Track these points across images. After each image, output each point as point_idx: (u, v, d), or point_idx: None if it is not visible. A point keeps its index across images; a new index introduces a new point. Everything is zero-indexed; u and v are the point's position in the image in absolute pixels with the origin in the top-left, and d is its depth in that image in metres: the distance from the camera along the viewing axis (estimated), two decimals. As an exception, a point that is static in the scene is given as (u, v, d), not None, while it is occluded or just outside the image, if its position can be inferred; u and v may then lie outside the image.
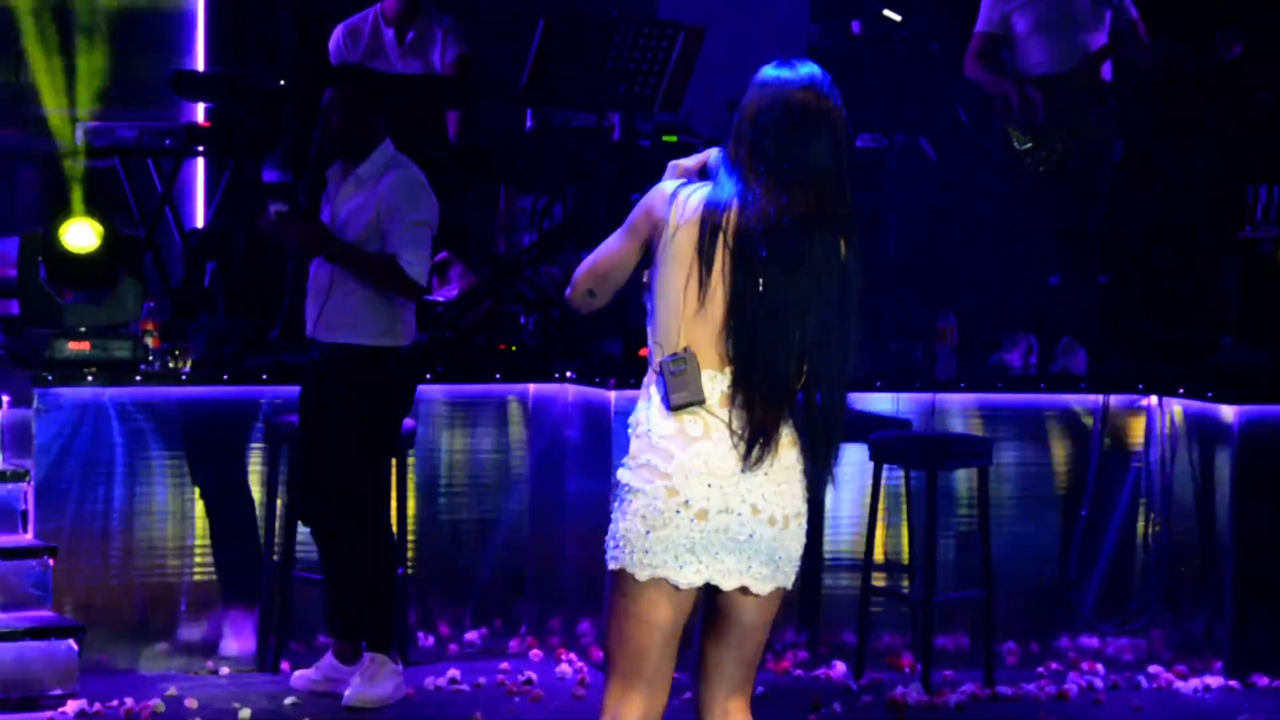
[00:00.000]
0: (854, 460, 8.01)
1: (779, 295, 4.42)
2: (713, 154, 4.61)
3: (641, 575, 4.49)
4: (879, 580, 7.88)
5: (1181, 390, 8.26)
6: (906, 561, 8.07)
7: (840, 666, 7.89)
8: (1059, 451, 8.37)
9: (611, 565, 4.53)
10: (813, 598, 8.06)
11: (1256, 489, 8.01)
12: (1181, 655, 8.16)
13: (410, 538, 7.79)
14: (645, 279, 4.56)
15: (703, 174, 4.60)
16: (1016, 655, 8.19)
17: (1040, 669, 8.08)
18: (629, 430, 4.56)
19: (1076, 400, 8.36)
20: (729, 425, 4.46)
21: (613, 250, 4.61)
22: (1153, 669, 8.06)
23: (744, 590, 4.52)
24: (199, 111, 9.86)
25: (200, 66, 10.25)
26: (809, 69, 4.53)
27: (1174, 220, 9.69)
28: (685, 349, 4.46)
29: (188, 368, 7.75)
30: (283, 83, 8.94)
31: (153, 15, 10.24)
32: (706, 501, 4.46)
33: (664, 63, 8.72)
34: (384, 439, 7.21)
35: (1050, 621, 8.30)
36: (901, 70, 9.46)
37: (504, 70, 9.28)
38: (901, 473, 8.01)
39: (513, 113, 9.57)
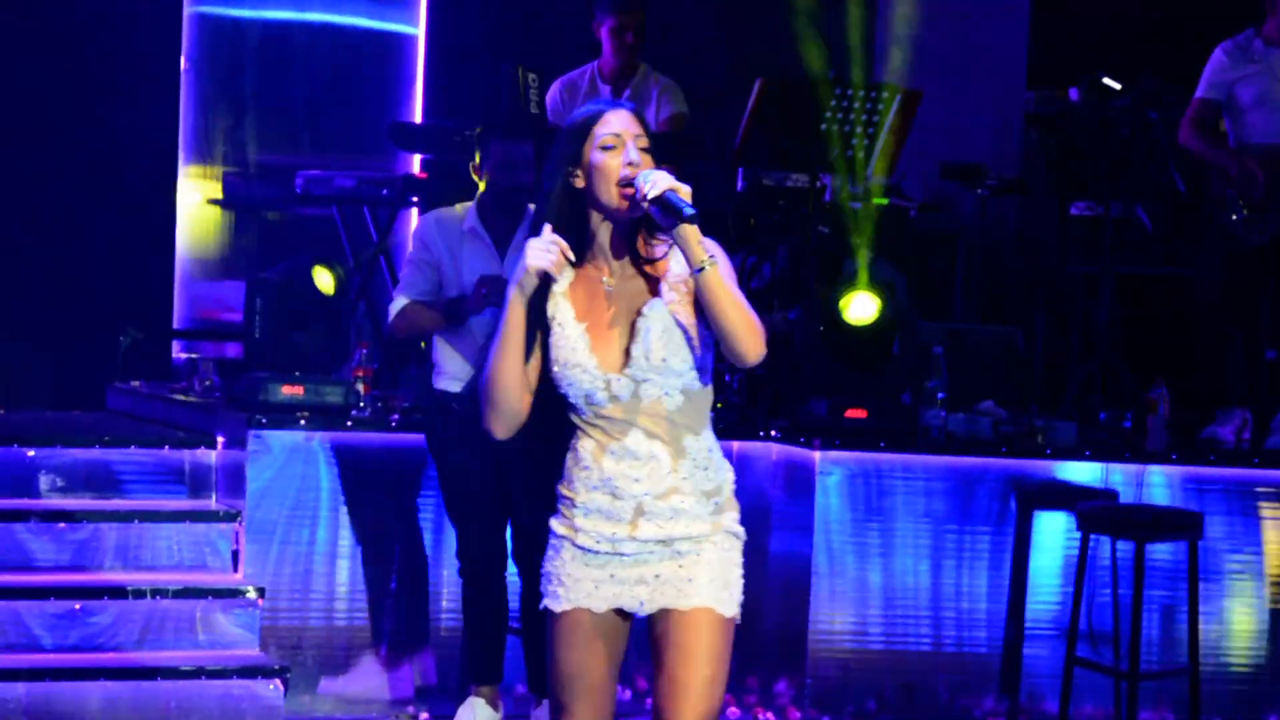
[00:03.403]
0: (1060, 529, 7.97)
1: None
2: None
3: None
4: (1083, 651, 7.75)
5: (1403, 471, 8.12)
6: (1112, 633, 7.93)
7: (1041, 737, 7.85)
8: (1272, 529, 8.20)
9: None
10: (1014, 666, 7.97)
11: None
12: (1396, 742, 8.03)
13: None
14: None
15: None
16: (1223, 734, 8.11)
17: (1248, 750, 8.00)
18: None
19: (1291, 477, 8.26)
20: None
21: None
22: (1365, 755, 7.95)
23: None
24: (415, 162, 10.00)
25: (418, 117, 10.41)
26: None
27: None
28: None
29: (397, 415, 7.82)
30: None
31: (373, 68, 10.42)
32: None
33: (879, 125, 8.70)
34: None
35: (1259, 702, 8.14)
36: (1119, 138, 9.33)
37: (720, 131, 9.33)
38: (1109, 544, 7.89)
39: (726, 173, 9.61)
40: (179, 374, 9.30)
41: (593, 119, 4.53)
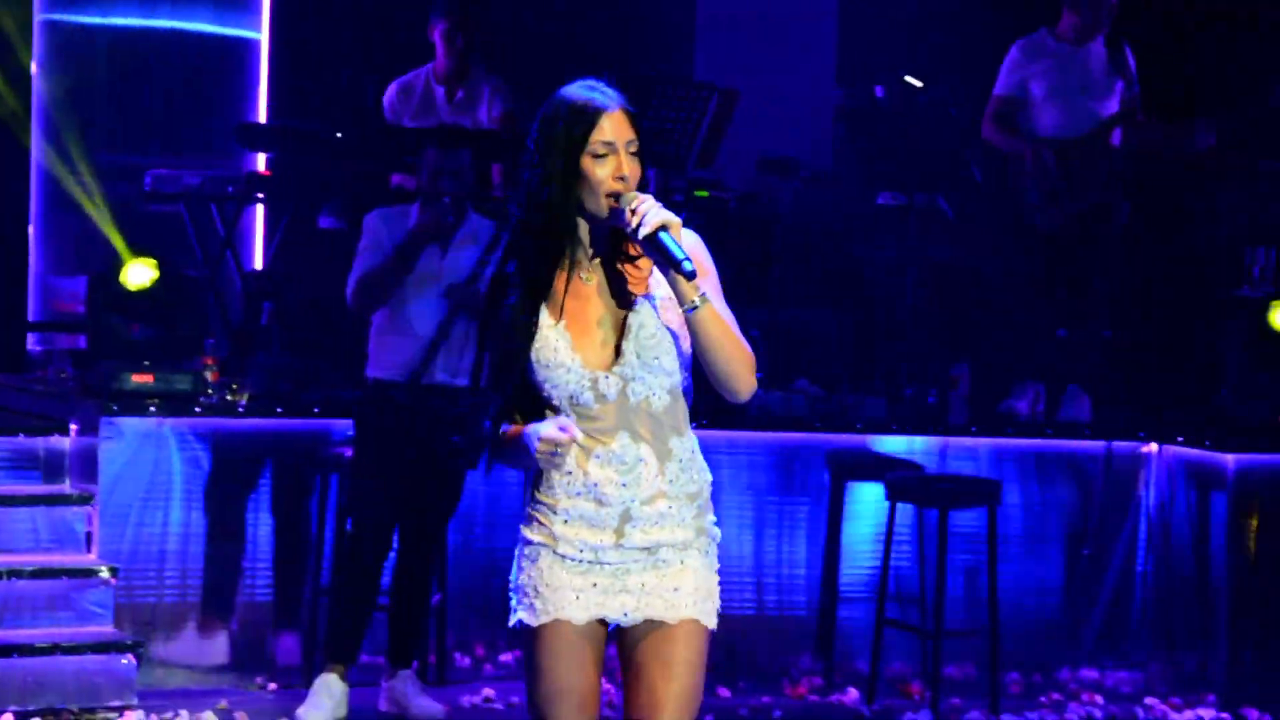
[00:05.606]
0: (870, 498, 8.22)
1: None
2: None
3: None
4: (892, 612, 8.05)
5: (1181, 438, 8.43)
6: (918, 595, 8.22)
7: (853, 693, 8.09)
8: (1063, 494, 8.51)
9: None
10: (828, 628, 8.24)
11: (1250, 532, 8.15)
12: (1176, 688, 8.32)
13: (448, 564, 7.95)
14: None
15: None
16: (1020, 685, 8.34)
17: (1043, 699, 8.24)
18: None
19: (1081, 446, 8.52)
20: None
21: None
22: (1149, 701, 8.24)
23: None
24: (260, 160, 10.12)
25: (262, 118, 10.44)
26: None
27: (1175, 278, 9.77)
28: None
29: (245, 401, 7.93)
30: (340, 135, 9.19)
31: (220, 71, 10.42)
32: None
33: (698, 122, 8.82)
34: None
35: (1053, 654, 8.44)
36: (921, 133, 9.59)
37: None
38: (915, 511, 8.17)
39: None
40: (34, 365, 9.32)
41: (589, 125, 4.19)
